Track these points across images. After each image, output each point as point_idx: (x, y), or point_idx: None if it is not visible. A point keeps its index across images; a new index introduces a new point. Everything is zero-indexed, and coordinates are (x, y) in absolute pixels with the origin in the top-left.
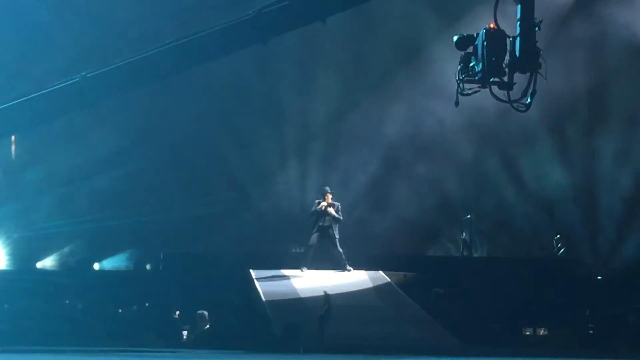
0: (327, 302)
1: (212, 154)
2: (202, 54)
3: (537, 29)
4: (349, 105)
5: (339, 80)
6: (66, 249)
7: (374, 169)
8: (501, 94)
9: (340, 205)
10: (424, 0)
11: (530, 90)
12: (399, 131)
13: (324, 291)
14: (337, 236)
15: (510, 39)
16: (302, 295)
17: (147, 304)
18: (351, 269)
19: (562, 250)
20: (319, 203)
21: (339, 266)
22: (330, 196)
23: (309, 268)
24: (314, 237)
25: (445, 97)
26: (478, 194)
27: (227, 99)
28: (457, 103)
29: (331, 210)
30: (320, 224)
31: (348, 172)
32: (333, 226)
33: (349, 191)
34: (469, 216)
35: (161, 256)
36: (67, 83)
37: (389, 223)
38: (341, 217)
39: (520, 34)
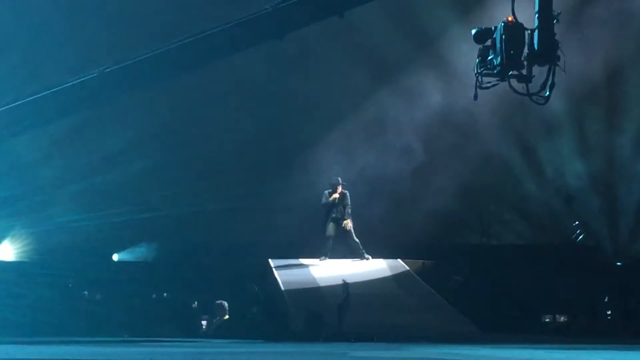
0: (346, 290)
1: (230, 147)
2: (219, 49)
3: (555, 21)
4: (365, 96)
5: (353, 70)
6: (85, 243)
7: (391, 158)
8: (520, 87)
9: (349, 193)
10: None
11: (549, 83)
12: (417, 120)
13: (343, 280)
14: (351, 226)
15: (529, 31)
16: (321, 284)
17: (165, 295)
18: (369, 257)
19: (581, 236)
20: (330, 194)
21: (357, 255)
22: (340, 187)
23: (328, 258)
24: (330, 228)
25: (462, 85)
26: (498, 181)
27: (242, 92)
28: (475, 97)
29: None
30: (333, 215)
31: (366, 161)
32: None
33: (367, 181)
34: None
35: (180, 248)
36: (85, 79)
37: (408, 212)
38: (349, 207)
39: (539, 27)
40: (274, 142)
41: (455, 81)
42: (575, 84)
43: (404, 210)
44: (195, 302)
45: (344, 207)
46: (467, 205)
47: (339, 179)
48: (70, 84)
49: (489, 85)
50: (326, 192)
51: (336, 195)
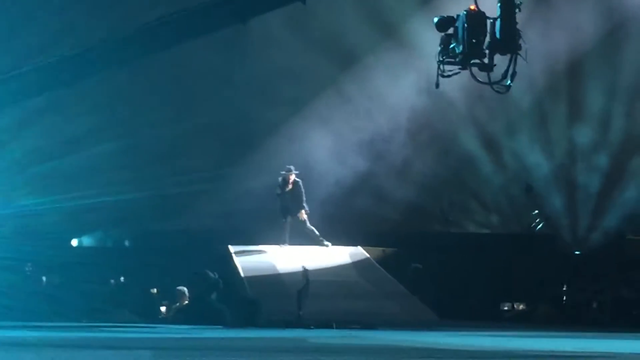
0: (305, 277)
1: (190, 131)
2: (181, 33)
3: (517, 10)
4: (326, 83)
5: (316, 57)
6: (44, 227)
7: (353, 145)
8: (481, 75)
9: (302, 182)
10: None
11: (511, 72)
12: (377, 107)
13: (303, 266)
14: (305, 217)
15: (491, 20)
16: (281, 270)
17: (124, 280)
18: (329, 244)
19: (540, 225)
20: (283, 183)
21: (316, 242)
22: (293, 176)
23: (288, 244)
24: (285, 217)
25: (425, 74)
26: (457, 169)
27: (205, 77)
28: (437, 85)
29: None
30: (287, 204)
31: (326, 149)
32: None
33: (329, 168)
34: (447, 192)
35: (140, 233)
36: (47, 62)
37: (368, 199)
38: (303, 195)
39: (501, 16)
40: (235, 127)
41: (417, 69)
42: (537, 73)
43: (363, 198)
44: (155, 288)
45: (297, 197)
46: (427, 193)
47: (292, 167)
48: (30, 67)
49: (450, 73)
50: (280, 179)
51: (290, 185)
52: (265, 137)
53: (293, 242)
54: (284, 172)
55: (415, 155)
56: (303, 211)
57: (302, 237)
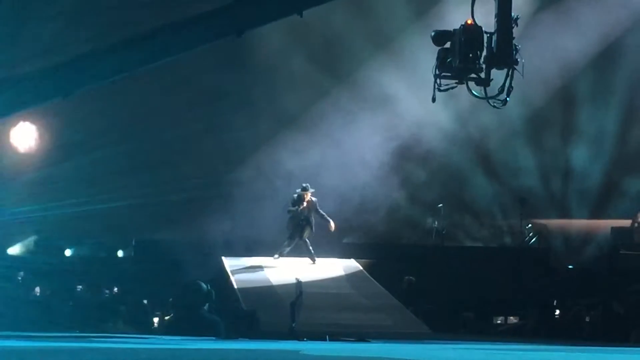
0: (299, 289)
1: (186, 139)
2: (175, 45)
3: (514, 25)
4: (323, 95)
5: (312, 69)
6: (37, 235)
7: (346, 158)
8: (478, 90)
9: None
10: None
11: (507, 87)
12: (371, 121)
13: (296, 278)
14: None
15: (488, 35)
16: (274, 282)
17: (117, 290)
18: (316, 260)
19: (533, 239)
20: (298, 200)
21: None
22: (309, 194)
23: (282, 256)
24: (293, 232)
25: (416, 87)
26: (450, 182)
27: (201, 85)
28: (434, 99)
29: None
30: (299, 221)
31: (321, 161)
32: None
33: (321, 180)
34: (440, 205)
35: (133, 242)
36: (41, 71)
37: (362, 212)
38: (325, 215)
39: (497, 30)
40: (230, 137)
41: (410, 81)
42: (532, 86)
43: (357, 210)
44: (148, 299)
45: (314, 214)
46: (420, 207)
47: (308, 185)
48: (22, 76)
49: (447, 87)
50: (295, 196)
51: (304, 204)
52: (262, 149)
53: (287, 255)
54: (299, 190)
55: (410, 169)
56: (332, 223)
57: (296, 250)
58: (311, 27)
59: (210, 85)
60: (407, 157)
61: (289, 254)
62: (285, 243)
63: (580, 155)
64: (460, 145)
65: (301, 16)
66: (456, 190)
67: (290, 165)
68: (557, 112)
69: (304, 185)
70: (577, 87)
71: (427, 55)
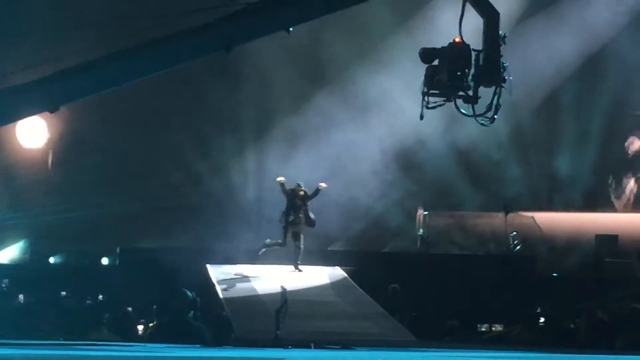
0: (284, 297)
1: (172, 148)
2: (164, 60)
3: (502, 43)
4: (308, 103)
5: (297, 78)
6: (21, 242)
7: (331, 164)
8: (466, 107)
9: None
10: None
11: (495, 105)
12: (356, 128)
13: (281, 286)
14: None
15: (476, 53)
16: (259, 290)
17: (101, 298)
18: (302, 270)
19: (518, 247)
20: (293, 191)
21: (293, 262)
22: (302, 192)
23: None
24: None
25: (403, 96)
26: (436, 190)
27: (187, 95)
28: (422, 116)
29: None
30: (291, 218)
31: (306, 169)
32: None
33: (306, 186)
34: (426, 212)
35: (118, 250)
36: (32, 82)
37: (348, 219)
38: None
39: (485, 49)
40: (215, 144)
41: (396, 90)
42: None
43: (343, 218)
44: (133, 307)
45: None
46: (406, 214)
47: (301, 183)
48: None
49: (435, 105)
50: (289, 188)
51: (301, 193)
52: (248, 157)
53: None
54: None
55: (396, 177)
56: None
57: (278, 257)
58: (296, 38)
59: (196, 94)
60: (392, 165)
61: (271, 253)
62: (277, 240)
63: (564, 160)
64: (446, 152)
65: (288, 33)
66: (442, 198)
67: (275, 173)
68: (542, 119)
69: (297, 183)
70: (562, 94)
71: (413, 65)
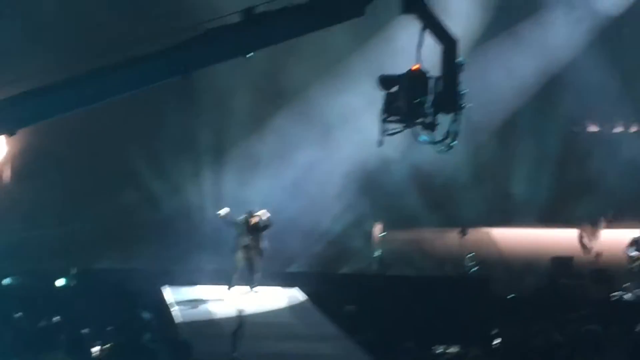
0: (240, 318)
1: (128, 166)
2: (118, 87)
3: (460, 70)
4: (264, 124)
5: (255, 99)
6: None
7: (290, 186)
8: (424, 134)
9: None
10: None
11: (453, 132)
12: (316, 150)
13: (238, 307)
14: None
15: (434, 79)
16: (216, 311)
17: (56, 320)
18: (258, 290)
19: (474, 268)
20: (246, 221)
21: (249, 282)
22: (256, 218)
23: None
24: (239, 257)
25: (361, 118)
26: (393, 211)
27: (146, 113)
28: (380, 143)
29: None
30: (244, 243)
31: (263, 190)
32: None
33: (264, 207)
34: (383, 234)
35: (73, 271)
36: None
37: (305, 241)
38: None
39: (443, 76)
40: (168, 165)
41: (352, 110)
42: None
43: (300, 239)
44: (87, 329)
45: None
46: (363, 236)
47: (255, 210)
48: None
49: (393, 132)
50: (242, 217)
51: (255, 220)
52: (204, 178)
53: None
54: (246, 215)
55: (354, 198)
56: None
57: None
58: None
59: (154, 114)
60: (351, 186)
61: (239, 282)
62: (234, 274)
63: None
64: (405, 173)
65: (246, 58)
66: (400, 218)
67: (233, 195)
68: (501, 139)
69: (250, 209)
70: (521, 115)
71: (373, 87)
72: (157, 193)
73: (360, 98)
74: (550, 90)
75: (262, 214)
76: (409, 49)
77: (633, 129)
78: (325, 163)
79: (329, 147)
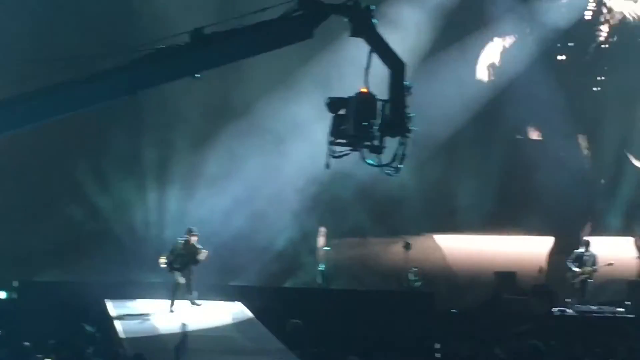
0: (183, 332)
1: (73, 181)
2: (64, 105)
3: (407, 93)
4: (208, 139)
5: (200, 112)
6: None
7: (234, 199)
8: (372, 157)
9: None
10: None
11: (400, 155)
12: (258, 162)
13: (181, 321)
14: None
15: (382, 103)
16: (159, 325)
17: None
18: (201, 303)
19: (418, 283)
20: (186, 242)
21: (191, 300)
22: (195, 238)
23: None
24: (178, 276)
25: (306, 132)
26: (338, 226)
27: (90, 126)
28: (327, 165)
29: (203, 254)
30: (178, 265)
31: (207, 202)
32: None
33: (208, 221)
34: (327, 248)
35: (15, 284)
36: None
37: (249, 255)
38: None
39: (391, 99)
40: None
41: (294, 126)
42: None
43: (244, 253)
44: (30, 342)
45: (194, 251)
46: (307, 249)
47: (194, 229)
48: None
49: (340, 154)
50: (181, 240)
51: (192, 242)
52: (149, 193)
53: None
54: (185, 235)
55: (298, 212)
56: (204, 252)
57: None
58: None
59: (98, 129)
60: (294, 200)
61: (181, 297)
62: (175, 289)
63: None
64: (349, 187)
65: (194, 78)
66: (345, 231)
67: (175, 210)
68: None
69: (190, 228)
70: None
71: (319, 102)
72: (102, 208)
73: (309, 111)
74: (497, 102)
75: (203, 254)
76: (359, 59)
77: (576, 138)
78: (273, 177)
79: (277, 161)
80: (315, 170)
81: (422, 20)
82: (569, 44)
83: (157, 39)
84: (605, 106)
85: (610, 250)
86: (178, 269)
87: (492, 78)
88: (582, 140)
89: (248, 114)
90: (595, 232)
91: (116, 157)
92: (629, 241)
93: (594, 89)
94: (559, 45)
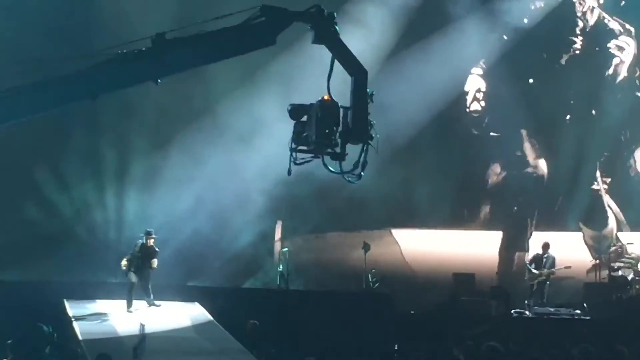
0: (142, 332)
1: (31, 181)
2: (25, 108)
3: (369, 101)
4: (169, 140)
5: (161, 111)
6: None
7: (193, 199)
8: (333, 164)
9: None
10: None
11: (362, 162)
12: (219, 162)
13: (140, 322)
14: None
15: (344, 110)
16: (117, 326)
17: None
18: (160, 304)
19: (377, 284)
20: (145, 244)
21: (149, 302)
22: (152, 240)
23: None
24: (132, 276)
25: (266, 131)
26: (297, 226)
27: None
28: (289, 172)
29: (154, 263)
30: (135, 264)
31: (167, 202)
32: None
33: (167, 222)
34: (286, 249)
35: None
36: None
37: (208, 254)
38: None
39: (353, 106)
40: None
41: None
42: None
43: (201, 254)
44: None
45: (152, 253)
46: (266, 250)
47: (152, 231)
48: None
49: (302, 161)
50: (139, 242)
51: (150, 244)
52: (108, 193)
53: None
54: (142, 236)
55: (256, 212)
56: (155, 260)
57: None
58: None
59: (57, 129)
60: (255, 200)
61: (137, 296)
62: (131, 290)
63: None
64: (309, 186)
65: (157, 84)
66: (302, 234)
67: (136, 210)
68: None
69: (148, 230)
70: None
71: (280, 103)
72: (62, 208)
73: (271, 110)
74: (458, 99)
75: (154, 263)
76: (321, 58)
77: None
78: (230, 175)
79: (238, 161)
80: (278, 170)
81: (385, 20)
82: (530, 43)
83: (120, 43)
84: (565, 104)
85: (568, 251)
86: (134, 271)
87: (453, 75)
88: (541, 137)
89: (209, 113)
90: (550, 228)
91: (76, 157)
92: (578, 236)
93: (554, 87)
94: (520, 44)
